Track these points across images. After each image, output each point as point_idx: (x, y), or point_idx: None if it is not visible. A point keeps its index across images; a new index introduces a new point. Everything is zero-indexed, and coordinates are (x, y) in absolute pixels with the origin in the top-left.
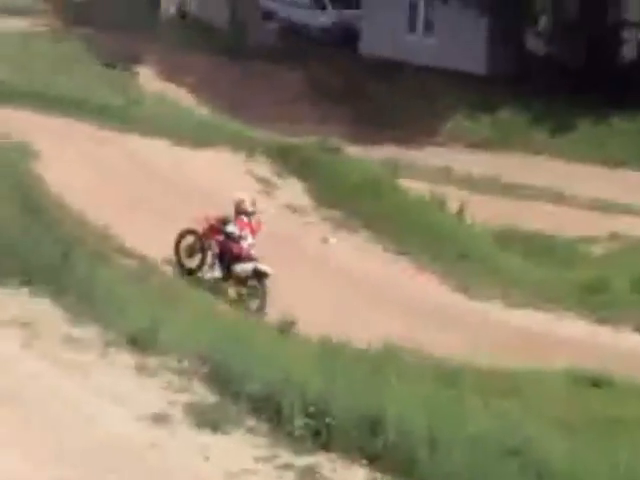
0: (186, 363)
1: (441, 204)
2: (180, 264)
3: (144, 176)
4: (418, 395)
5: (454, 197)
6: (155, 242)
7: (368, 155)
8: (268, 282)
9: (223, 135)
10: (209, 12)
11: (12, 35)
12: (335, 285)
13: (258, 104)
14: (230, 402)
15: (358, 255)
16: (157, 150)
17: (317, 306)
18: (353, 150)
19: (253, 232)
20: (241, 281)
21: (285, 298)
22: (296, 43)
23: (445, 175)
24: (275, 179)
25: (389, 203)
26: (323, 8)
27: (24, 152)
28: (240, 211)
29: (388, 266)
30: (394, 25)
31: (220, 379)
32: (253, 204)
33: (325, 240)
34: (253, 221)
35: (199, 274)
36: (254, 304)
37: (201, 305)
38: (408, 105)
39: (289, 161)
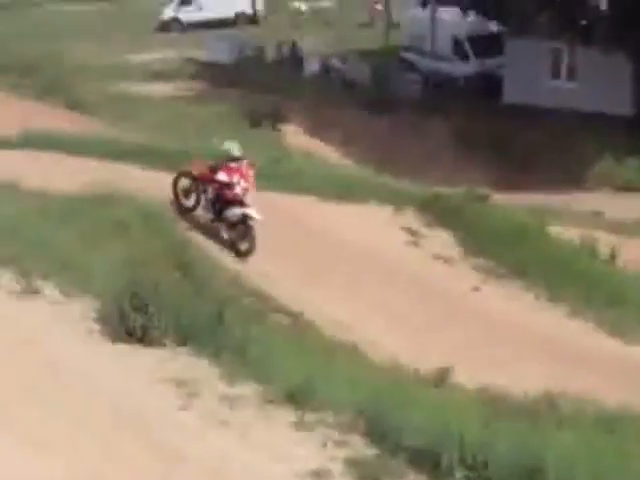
0: (344, 417)
1: (592, 249)
2: (178, 204)
3: (293, 232)
4: (578, 443)
5: (604, 241)
6: (306, 297)
7: (515, 202)
8: (255, 225)
9: (369, 188)
10: (351, 67)
11: (160, 99)
12: (487, 334)
13: (404, 156)
14: (389, 455)
15: (509, 304)
16: (305, 205)
17: (471, 356)
18: (500, 198)
19: (244, 177)
20: (231, 225)
21: (440, 349)
22: (439, 94)
23: (594, 220)
24: (423, 230)
25: (539, 250)
26: (465, 58)
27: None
28: (228, 158)
29: (540, 314)
30: (537, 72)
31: (378, 432)
32: (239, 150)
33: (475, 289)
34: (243, 167)
35: (195, 213)
36: (244, 246)
37: (356, 359)
38: (554, 150)
39: (437, 211)
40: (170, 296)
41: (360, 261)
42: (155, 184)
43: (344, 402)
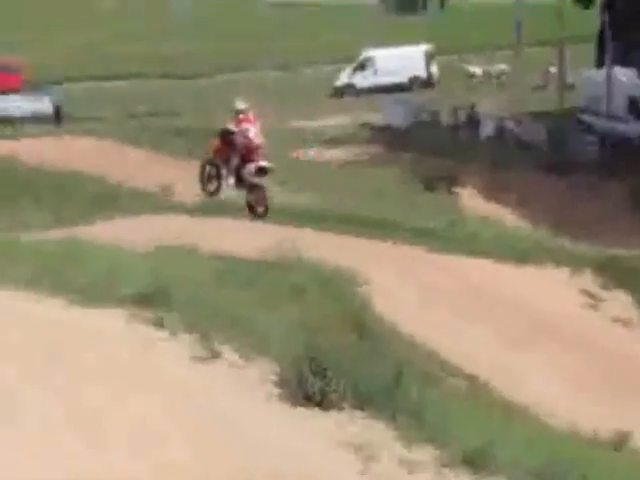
0: None
1: None
2: (204, 188)
3: (468, 294)
4: None
5: None
6: (483, 361)
7: None
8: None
9: (546, 250)
10: (526, 129)
11: (335, 163)
12: None
13: (580, 218)
14: None
15: None
16: (480, 268)
17: None
18: None
19: (252, 123)
20: (250, 187)
21: (619, 412)
22: (616, 155)
23: None
24: (601, 292)
25: None
26: None
27: (352, 276)
28: (235, 113)
29: None
30: None
31: None
32: (244, 103)
33: None
34: (249, 116)
35: (219, 194)
36: (260, 209)
37: (531, 421)
38: None
39: (615, 273)
40: (347, 359)
41: (536, 323)
42: (330, 248)
43: (521, 466)
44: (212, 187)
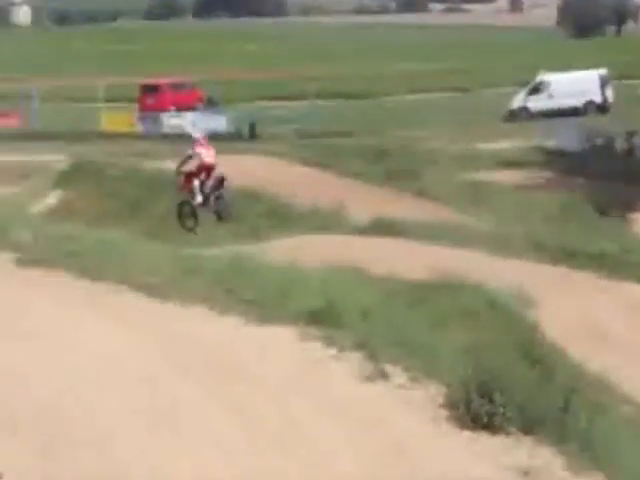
0: None
1: None
2: (182, 226)
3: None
4: None
5: None
6: None
7: None
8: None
9: None
10: None
11: (507, 187)
12: None
13: None
14: None
15: None
16: None
17: None
18: None
19: (204, 147)
20: (215, 199)
21: None
22: None
23: None
24: None
25: None
26: None
27: (522, 300)
28: (193, 141)
29: None
30: None
31: None
32: (199, 131)
33: None
34: (202, 140)
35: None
36: (225, 213)
37: None
38: None
39: None
40: (515, 383)
41: None
42: (501, 271)
43: None
44: (190, 223)
